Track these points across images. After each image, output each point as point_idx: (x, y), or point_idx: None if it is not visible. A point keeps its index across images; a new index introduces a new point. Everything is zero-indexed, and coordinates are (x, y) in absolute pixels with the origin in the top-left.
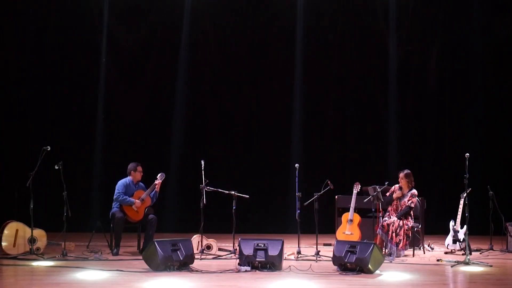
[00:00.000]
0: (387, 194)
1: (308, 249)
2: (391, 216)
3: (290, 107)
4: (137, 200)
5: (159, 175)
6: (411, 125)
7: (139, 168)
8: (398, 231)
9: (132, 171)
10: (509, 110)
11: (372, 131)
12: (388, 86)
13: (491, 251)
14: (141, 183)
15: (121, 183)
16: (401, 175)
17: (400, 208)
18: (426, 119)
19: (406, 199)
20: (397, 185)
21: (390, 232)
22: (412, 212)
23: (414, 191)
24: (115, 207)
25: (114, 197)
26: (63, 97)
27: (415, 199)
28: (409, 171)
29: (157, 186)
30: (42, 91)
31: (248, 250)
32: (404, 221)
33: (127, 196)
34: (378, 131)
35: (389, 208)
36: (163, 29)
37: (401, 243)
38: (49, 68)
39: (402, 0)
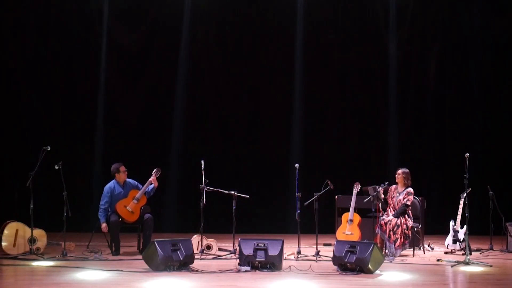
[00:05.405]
0: (382, 197)
1: (308, 249)
2: (389, 215)
3: (290, 107)
4: (103, 225)
5: (154, 170)
6: (411, 125)
7: (122, 169)
8: (395, 229)
9: (116, 174)
10: (509, 110)
11: (372, 131)
12: (388, 86)
13: (491, 251)
14: (133, 182)
15: (105, 191)
16: (399, 171)
17: (397, 207)
18: (426, 119)
19: (401, 197)
20: (393, 186)
21: (387, 231)
22: (410, 211)
23: (410, 189)
24: (109, 210)
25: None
26: (63, 97)
27: (411, 197)
28: (408, 170)
29: (153, 182)
30: (42, 91)
31: (248, 250)
32: (402, 220)
33: (102, 216)
34: (378, 131)
35: (387, 208)
36: (163, 29)
37: (398, 242)
38: (49, 68)
39: (402, 0)
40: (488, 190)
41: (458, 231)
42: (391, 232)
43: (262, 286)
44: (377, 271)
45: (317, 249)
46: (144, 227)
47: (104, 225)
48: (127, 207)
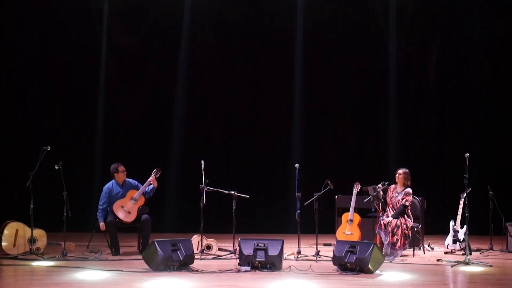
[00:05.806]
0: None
1: (308, 249)
2: (389, 215)
3: (290, 107)
4: (101, 224)
5: (154, 171)
6: (411, 125)
7: (121, 168)
8: (395, 230)
9: (114, 174)
10: (509, 110)
11: (372, 131)
12: (388, 86)
13: (491, 251)
14: (134, 181)
15: (103, 192)
16: (400, 171)
17: (396, 207)
18: (426, 119)
19: (400, 197)
20: (392, 186)
21: (388, 232)
22: (410, 211)
23: (409, 189)
24: (108, 210)
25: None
26: (63, 97)
27: (410, 198)
28: (408, 170)
29: (152, 182)
30: (42, 91)
31: (248, 250)
32: (402, 221)
33: (100, 216)
34: (378, 131)
35: (386, 208)
36: (163, 29)
37: (398, 243)
38: (49, 68)
39: (402, 0)
40: (488, 190)
41: (458, 231)
42: (391, 234)
43: (262, 286)
44: (377, 271)
45: (317, 249)
46: (142, 228)
47: (101, 224)
48: (124, 207)
